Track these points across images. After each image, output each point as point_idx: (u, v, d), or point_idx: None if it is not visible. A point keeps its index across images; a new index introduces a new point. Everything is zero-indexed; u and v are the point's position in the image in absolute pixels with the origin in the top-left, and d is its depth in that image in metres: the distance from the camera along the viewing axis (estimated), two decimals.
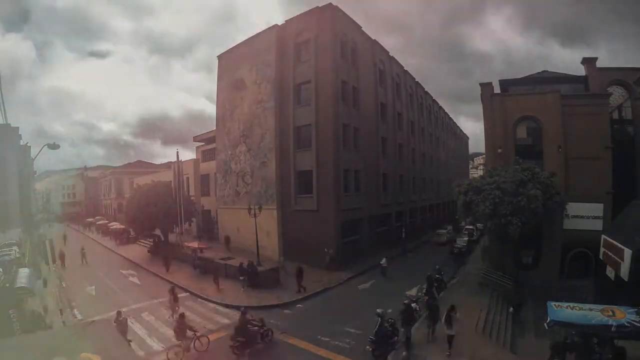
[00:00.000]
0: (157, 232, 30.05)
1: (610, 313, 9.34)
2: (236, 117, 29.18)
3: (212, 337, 12.08)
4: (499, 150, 20.58)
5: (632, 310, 9.35)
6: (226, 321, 14.21)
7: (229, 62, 30.06)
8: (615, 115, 21.84)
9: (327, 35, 23.05)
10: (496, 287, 17.79)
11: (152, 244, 29.73)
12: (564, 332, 10.26)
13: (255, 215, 20.92)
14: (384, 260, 21.16)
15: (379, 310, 11.22)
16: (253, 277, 18.45)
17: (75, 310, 15.98)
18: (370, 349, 10.89)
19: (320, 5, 23.30)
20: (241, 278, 18.28)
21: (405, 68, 35.45)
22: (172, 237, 30.03)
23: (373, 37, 28.55)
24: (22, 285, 11.53)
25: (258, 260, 20.22)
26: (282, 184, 25.34)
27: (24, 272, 12.84)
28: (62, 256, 24.20)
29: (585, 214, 18.95)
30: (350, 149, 24.37)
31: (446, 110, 51.38)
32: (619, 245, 12.06)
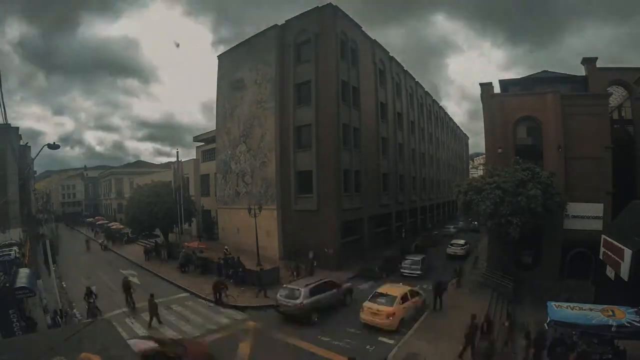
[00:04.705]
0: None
1: (610, 313, 9.34)
2: (236, 117, 29.18)
3: (211, 337, 12.05)
4: (499, 150, 20.58)
5: (632, 310, 9.36)
6: (225, 321, 14.23)
7: (229, 62, 30.04)
8: (615, 115, 21.85)
9: (327, 35, 23.06)
10: (496, 287, 17.79)
11: (151, 244, 29.67)
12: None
13: (255, 215, 20.95)
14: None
15: None
16: (240, 275, 18.57)
17: (75, 310, 15.99)
18: None
19: (320, 5, 23.35)
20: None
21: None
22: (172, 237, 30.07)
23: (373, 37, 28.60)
24: (22, 285, 11.53)
25: (258, 260, 20.25)
26: (282, 184, 25.32)
27: (24, 272, 12.85)
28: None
29: (585, 214, 18.93)
30: (350, 149, 24.36)
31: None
32: (619, 245, 12.02)
